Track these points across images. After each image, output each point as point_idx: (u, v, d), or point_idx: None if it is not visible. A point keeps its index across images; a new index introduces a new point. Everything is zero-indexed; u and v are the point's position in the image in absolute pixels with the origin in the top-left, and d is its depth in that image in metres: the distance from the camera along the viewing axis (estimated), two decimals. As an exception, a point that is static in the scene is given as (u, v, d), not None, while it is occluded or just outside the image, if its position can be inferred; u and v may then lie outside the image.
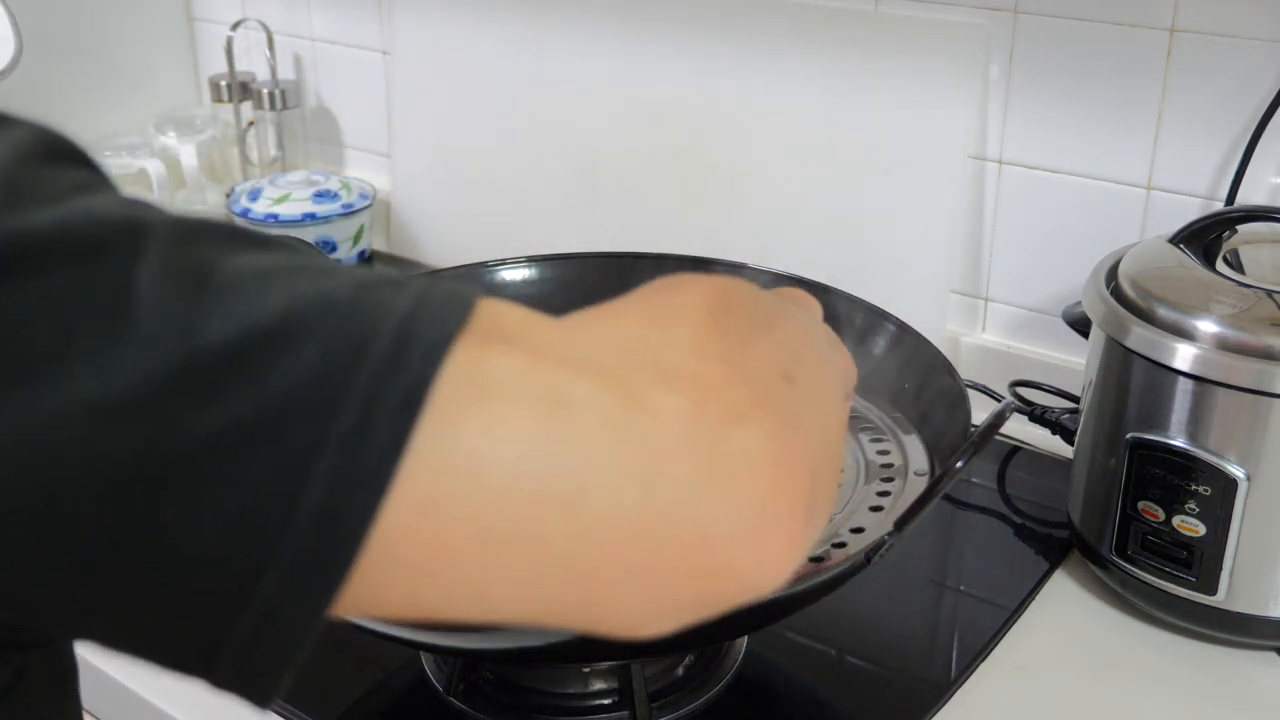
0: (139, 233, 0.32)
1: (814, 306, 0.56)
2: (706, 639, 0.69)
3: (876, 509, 0.73)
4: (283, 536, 0.31)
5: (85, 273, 0.31)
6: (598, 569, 0.35)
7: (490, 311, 0.35)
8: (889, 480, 0.76)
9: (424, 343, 0.32)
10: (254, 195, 1.32)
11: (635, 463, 0.34)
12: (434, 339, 0.33)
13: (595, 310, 0.42)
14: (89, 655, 0.46)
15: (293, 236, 0.38)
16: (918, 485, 0.75)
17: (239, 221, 1.31)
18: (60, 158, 0.35)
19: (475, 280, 0.90)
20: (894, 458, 0.78)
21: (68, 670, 0.46)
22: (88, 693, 0.49)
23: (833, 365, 0.50)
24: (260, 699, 0.33)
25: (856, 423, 0.81)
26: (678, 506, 0.35)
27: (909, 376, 0.81)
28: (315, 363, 0.31)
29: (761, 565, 0.37)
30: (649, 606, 0.37)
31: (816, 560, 0.66)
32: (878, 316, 0.83)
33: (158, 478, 0.30)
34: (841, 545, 0.70)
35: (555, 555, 0.34)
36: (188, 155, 1.38)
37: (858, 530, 0.71)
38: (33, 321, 0.30)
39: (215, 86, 1.42)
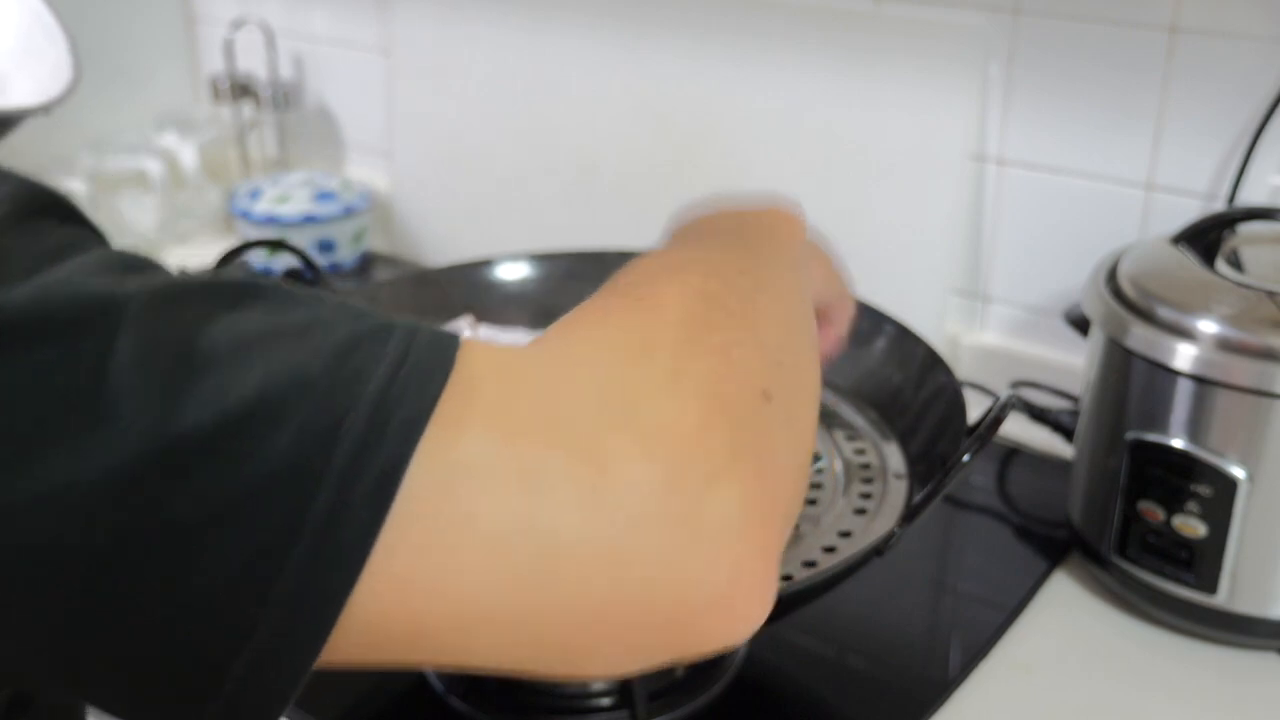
0: (114, 310, 0.31)
1: (797, 226, 0.54)
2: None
3: (860, 512, 0.73)
4: (257, 618, 0.31)
5: (60, 355, 0.30)
6: (575, 636, 0.35)
7: (467, 363, 0.34)
8: (869, 482, 0.76)
9: (398, 421, 0.32)
10: (254, 195, 1.32)
11: (609, 539, 0.34)
12: (408, 416, 0.32)
13: (576, 319, 0.41)
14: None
15: (269, 277, 0.38)
16: (898, 487, 0.75)
17: (239, 223, 1.31)
18: (41, 214, 0.34)
19: (476, 278, 0.90)
20: (870, 457, 0.78)
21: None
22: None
23: (814, 343, 0.49)
24: None
25: (831, 420, 0.81)
26: (653, 576, 0.35)
27: (905, 375, 0.81)
28: (290, 446, 0.31)
29: (735, 623, 0.37)
30: (625, 658, 0.37)
31: (786, 578, 0.65)
32: (874, 316, 0.83)
33: (133, 561, 0.30)
34: (831, 550, 0.70)
35: (532, 628, 0.34)
36: (188, 155, 1.38)
37: (845, 534, 0.71)
38: (5, 405, 0.30)
39: (215, 86, 1.42)
